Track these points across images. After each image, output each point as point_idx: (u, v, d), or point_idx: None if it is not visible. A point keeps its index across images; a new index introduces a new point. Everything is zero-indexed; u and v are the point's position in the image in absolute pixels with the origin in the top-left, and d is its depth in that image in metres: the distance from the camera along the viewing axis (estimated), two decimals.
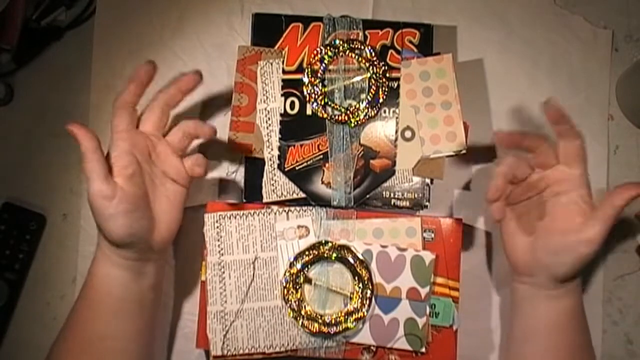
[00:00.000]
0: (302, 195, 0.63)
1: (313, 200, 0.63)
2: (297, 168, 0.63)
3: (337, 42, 0.64)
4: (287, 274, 0.62)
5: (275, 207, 0.63)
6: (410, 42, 0.65)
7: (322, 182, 0.63)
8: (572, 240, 0.55)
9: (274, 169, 0.63)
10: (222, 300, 0.62)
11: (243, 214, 0.63)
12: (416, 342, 0.61)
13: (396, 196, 0.63)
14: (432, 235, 0.63)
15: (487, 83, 0.69)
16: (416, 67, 0.64)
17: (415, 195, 0.63)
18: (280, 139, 0.64)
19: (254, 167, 0.64)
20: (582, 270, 0.57)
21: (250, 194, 0.64)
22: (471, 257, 0.66)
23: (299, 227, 0.63)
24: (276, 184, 0.63)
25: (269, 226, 0.63)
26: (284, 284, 0.62)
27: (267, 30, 0.65)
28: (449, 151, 0.62)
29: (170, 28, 0.70)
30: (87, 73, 0.69)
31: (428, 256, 0.62)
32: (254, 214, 0.63)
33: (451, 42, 0.69)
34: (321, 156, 0.63)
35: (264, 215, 0.63)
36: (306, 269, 0.62)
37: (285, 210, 0.63)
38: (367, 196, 0.63)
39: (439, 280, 0.62)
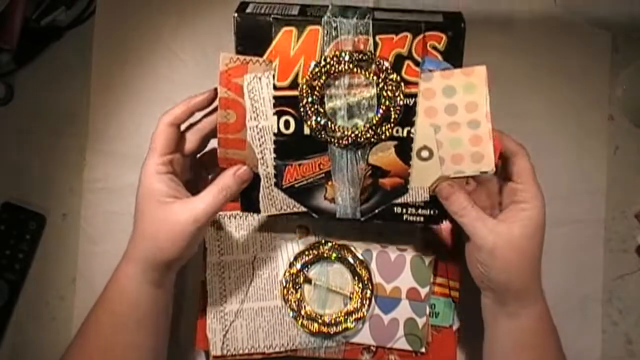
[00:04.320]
0: (303, 209, 0.57)
1: (316, 214, 0.57)
2: (296, 185, 0.56)
3: (340, 52, 0.52)
4: (287, 274, 0.62)
5: None
6: (435, 48, 0.52)
7: (326, 198, 0.56)
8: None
9: (271, 185, 0.56)
10: (222, 300, 0.62)
11: (243, 213, 0.63)
12: (416, 342, 0.61)
13: (409, 212, 0.56)
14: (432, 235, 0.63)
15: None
16: (439, 80, 0.52)
17: (431, 212, 0.56)
18: (275, 158, 0.55)
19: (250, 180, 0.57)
20: (509, 283, 0.53)
21: (247, 206, 0.58)
22: None
23: (299, 227, 0.63)
24: (274, 199, 0.57)
25: (269, 226, 0.63)
26: (284, 284, 0.61)
27: (254, 34, 0.52)
28: (474, 172, 0.54)
29: (170, 28, 0.70)
30: (87, 73, 0.69)
31: (428, 256, 0.62)
32: (253, 213, 0.63)
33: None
34: (323, 175, 0.55)
35: None
36: (306, 269, 0.62)
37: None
38: (376, 211, 0.56)
39: (439, 280, 0.62)
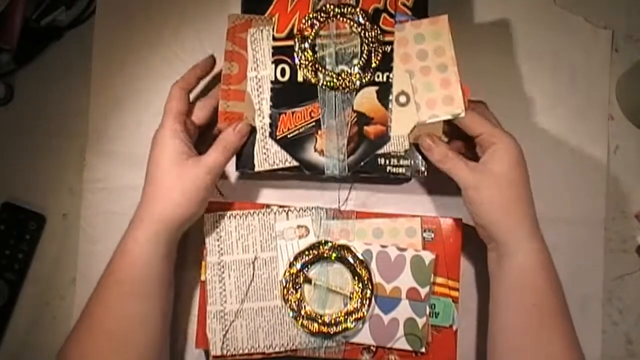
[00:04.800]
0: (294, 163, 0.62)
1: (306, 169, 0.62)
2: (289, 136, 0.62)
3: (328, 7, 0.63)
4: (287, 273, 0.62)
5: (275, 207, 0.63)
6: (404, 5, 0.63)
7: (315, 150, 0.62)
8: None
9: (266, 137, 0.62)
10: (222, 300, 0.62)
11: (243, 213, 0.63)
12: (416, 342, 0.61)
13: (392, 163, 0.62)
14: (432, 235, 0.63)
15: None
16: (410, 30, 0.62)
17: (412, 162, 0.62)
18: (271, 106, 0.62)
19: None
20: (497, 218, 0.57)
21: (242, 163, 0.63)
22: (471, 257, 0.66)
23: (298, 227, 0.63)
24: (268, 152, 0.62)
25: (269, 226, 0.63)
26: (284, 284, 0.61)
27: None
28: (447, 115, 0.60)
29: (170, 28, 0.70)
30: (87, 73, 0.69)
31: (428, 256, 0.62)
32: (253, 213, 0.63)
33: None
34: (313, 123, 0.62)
35: (263, 215, 0.63)
36: (306, 268, 0.62)
37: (285, 210, 0.63)
38: (362, 164, 0.62)
39: (439, 280, 0.62)
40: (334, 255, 0.62)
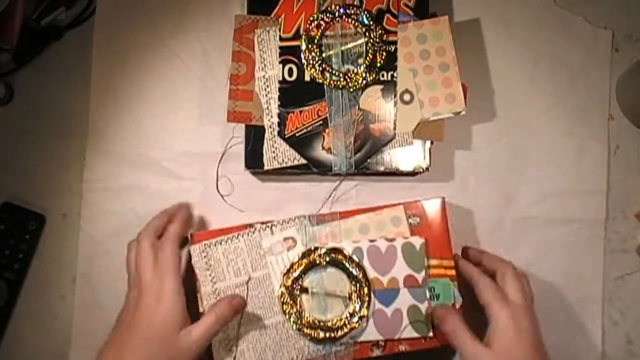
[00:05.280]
0: (303, 161, 0.64)
1: (315, 166, 0.63)
2: (297, 135, 0.64)
3: (333, 7, 0.64)
4: (283, 287, 0.61)
5: (257, 225, 0.62)
6: (406, 5, 0.65)
7: (323, 148, 0.64)
8: None
9: (274, 136, 0.64)
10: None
11: (227, 238, 0.62)
12: (422, 328, 0.61)
13: (397, 159, 0.64)
14: (418, 219, 0.62)
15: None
16: (413, 30, 0.64)
17: (417, 158, 0.64)
18: (279, 105, 0.64)
19: (254, 135, 0.64)
20: None
21: (251, 161, 0.64)
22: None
23: (285, 239, 0.62)
24: (277, 151, 0.64)
25: (256, 244, 0.62)
26: (282, 298, 0.61)
27: None
28: (449, 113, 0.63)
29: (170, 28, 0.70)
30: (87, 73, 0.69)
31: (418, 241, 0.62)
32: (238, 236, 0.62)
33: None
34: (321, 122, 0.64)
35: (248, 235, 0.62)
36: (300, 278, 0.61)
37: (268, 226, 0.62)
38: (368, 161, 0.64)
39: (433, 262, 0.62)
40: (325, 259, 0.61)
